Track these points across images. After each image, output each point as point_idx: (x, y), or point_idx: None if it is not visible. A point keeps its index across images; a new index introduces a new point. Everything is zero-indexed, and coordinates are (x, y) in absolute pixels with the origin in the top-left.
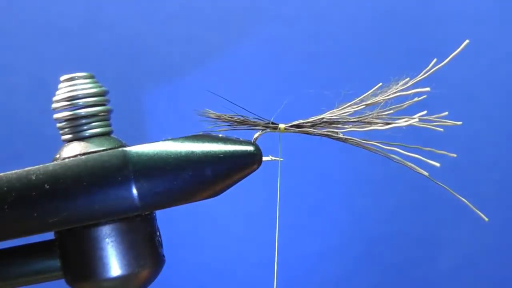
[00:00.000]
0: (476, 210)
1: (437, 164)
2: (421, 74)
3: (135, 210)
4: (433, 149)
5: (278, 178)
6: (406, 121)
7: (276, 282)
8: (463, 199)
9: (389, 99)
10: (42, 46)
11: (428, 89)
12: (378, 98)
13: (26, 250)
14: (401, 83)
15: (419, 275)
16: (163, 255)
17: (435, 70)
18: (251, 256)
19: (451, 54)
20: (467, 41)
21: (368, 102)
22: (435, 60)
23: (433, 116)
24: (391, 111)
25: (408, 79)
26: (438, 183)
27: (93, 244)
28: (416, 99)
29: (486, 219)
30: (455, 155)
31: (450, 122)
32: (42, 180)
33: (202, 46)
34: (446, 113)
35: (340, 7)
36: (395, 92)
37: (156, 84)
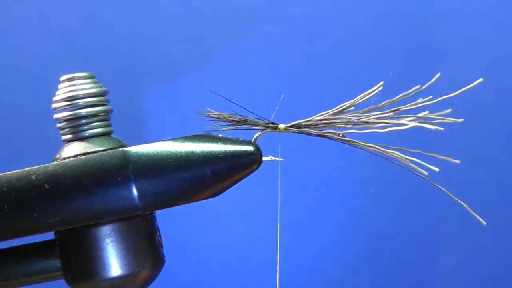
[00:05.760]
0: (475, 214)
1: (437, 169)
2: (424, 86)
3: (135, 210)
4: (436, 155)
5: (279, 178)
6: (407, 121)
7: (276, 281)
8: (461, 202)
9: (393, 102)
10: (42, 46)
11: (430, 97)
12: (381, 104)
13: (26, 250)
14: (409, 92)
15: (419, 275)
16: (163, 255)
17: (444, 98)
18: (251, 256)
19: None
20: (480, 79)
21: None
22: (438, 74)
23: (435, 114)
24: (391, 113)
25: (419, 86)
26: (438, 186)
27: (93, 244)
28: (420, 99)
29: (484, 223)
30: (458, 162)
31: (451, 120)
32: (42, 180)
33: (202, 46)
34: (449, 110)
35: (340, 7)
36: (400, 97)
37: (156, 84)
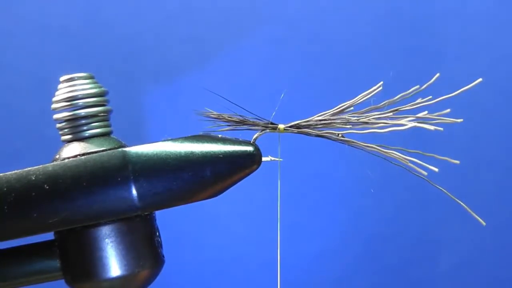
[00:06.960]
0: (474, 214)
1: (436, 169)
2: (424, 86)
3: (134, 210)
4: (435, 155)
5: (278, 178)
6: (406, 121)
7: (277, 282)
8: (461, 202)
9: (393, 102)
10: (42, 46)
11: (430, 97)
12: (381, 104)
13: (26, 250)
14: (408, 92)
15: (419, 275)
16: (163, 255)
17: (444, 98)
18: (251, 256)
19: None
20: (480, 79)
21: (370, 105)
22: (438, 74)
23: (434, 114)
24: (390, 114)
25: (418, 86)
26: (437, 186)
27: (93, 244)
28: (419, 100)
29: (484, 223)
30: (458, 162)
31: (450, 120)
32: (42, 180)
33: (202, 46)
34: (449, 110)
35: (340, 8)
36: (400, 97)
37: (156, 84)
